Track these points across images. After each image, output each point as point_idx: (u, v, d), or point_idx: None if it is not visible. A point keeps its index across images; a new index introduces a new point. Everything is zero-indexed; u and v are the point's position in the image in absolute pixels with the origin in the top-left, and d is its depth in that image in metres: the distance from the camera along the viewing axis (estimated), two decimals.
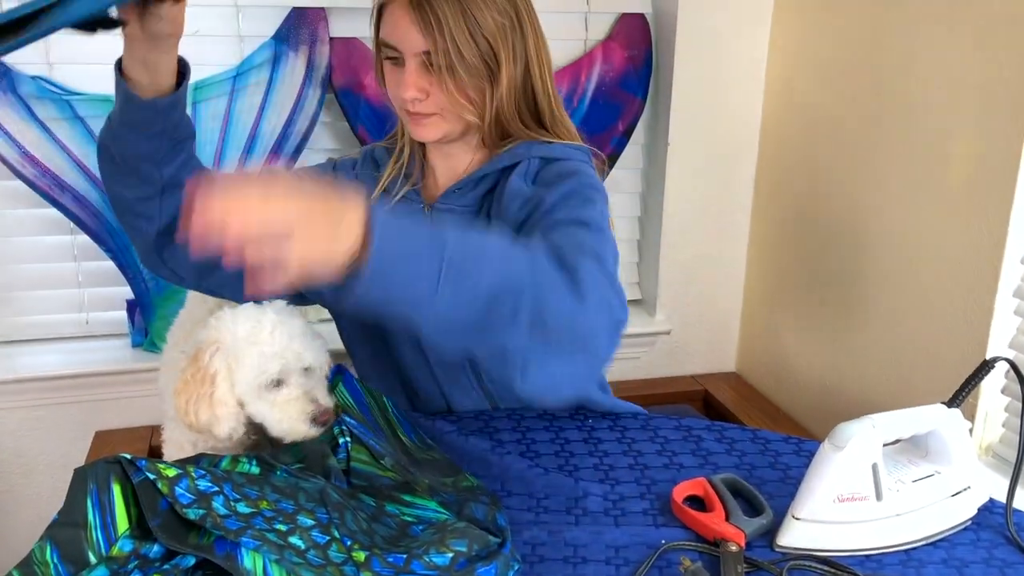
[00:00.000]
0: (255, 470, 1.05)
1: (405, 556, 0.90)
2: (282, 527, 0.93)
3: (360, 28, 1.87)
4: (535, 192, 1.20)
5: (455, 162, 1.32)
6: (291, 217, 0.78)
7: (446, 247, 0.86)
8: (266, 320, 1.17)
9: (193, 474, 0.95)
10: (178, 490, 0.93)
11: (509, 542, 0.97)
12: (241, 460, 1.06)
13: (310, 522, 0.95)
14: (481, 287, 0.87)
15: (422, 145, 1.33)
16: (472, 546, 0.93)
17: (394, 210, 0.96)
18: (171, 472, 0.94)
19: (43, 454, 1.92)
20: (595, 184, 1.21)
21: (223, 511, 0.92)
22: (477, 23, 1.16)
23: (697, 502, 1.07)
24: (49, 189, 1.77)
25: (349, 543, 0.92)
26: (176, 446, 1.33)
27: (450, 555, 0.91)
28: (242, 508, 0.94)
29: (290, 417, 1.16)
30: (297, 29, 1.83)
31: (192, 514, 0.90)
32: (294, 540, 0.92)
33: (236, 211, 0.76)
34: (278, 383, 1.17)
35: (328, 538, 0.93)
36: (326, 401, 1.19)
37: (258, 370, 1.14)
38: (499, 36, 1.19)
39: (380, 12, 1.21)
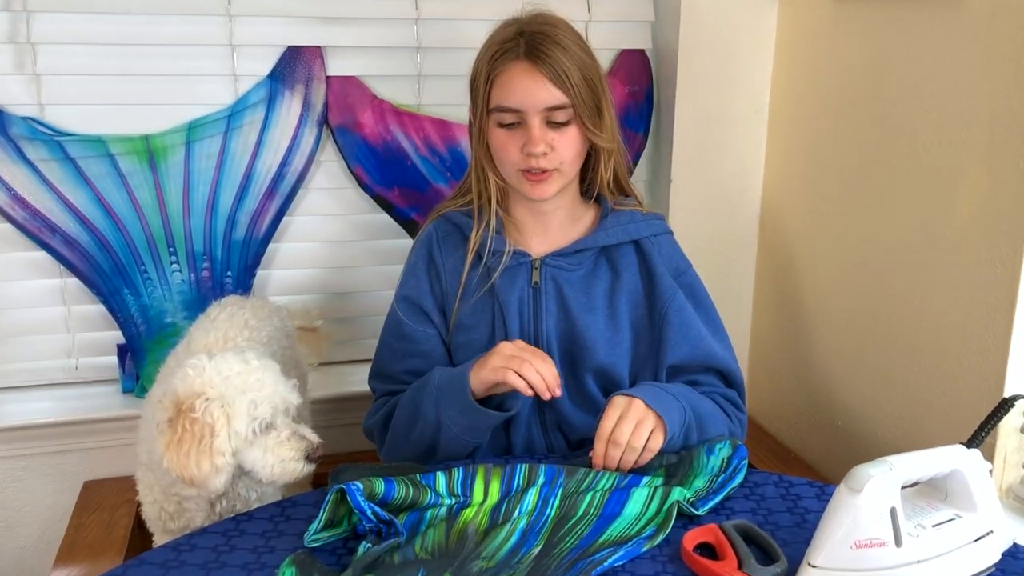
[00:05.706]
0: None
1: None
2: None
3: (357, 66, 1.87)
4: (673, 283, 1.37)
5: (548, 218, 1.39)
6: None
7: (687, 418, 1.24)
8: (251, 366, 1.21)
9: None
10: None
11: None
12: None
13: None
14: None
15: (500, 203, 1.38)
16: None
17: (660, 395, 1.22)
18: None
19: (28, 506, 1.86)
20: (695, 275, 1.42)
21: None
22: (586, 67, 1.27)
23: (708, 550, 1.05)
24: (39, 231, 1.75)
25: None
26: (147, 487, 1.36)
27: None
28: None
29: (284, 459, 1.21)
30: (293, 67, 1.81)
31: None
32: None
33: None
34: (268, 427, 1.21)
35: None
36: (314, 437, 1.24)
37: (250, 416, 1.18)
38: (596, 78, 1.29)
39: (491, 81, 1.27)
